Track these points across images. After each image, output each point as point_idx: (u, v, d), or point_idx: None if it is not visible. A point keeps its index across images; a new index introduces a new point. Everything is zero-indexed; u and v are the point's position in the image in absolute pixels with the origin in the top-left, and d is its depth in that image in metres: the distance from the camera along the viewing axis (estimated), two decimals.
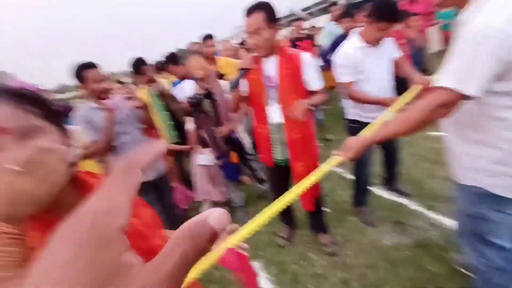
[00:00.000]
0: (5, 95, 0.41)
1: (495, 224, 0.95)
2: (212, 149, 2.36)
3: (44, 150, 0.39)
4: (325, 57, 3.52)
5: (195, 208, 2.61)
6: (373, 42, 1.67)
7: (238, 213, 2.43)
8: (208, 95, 2.35)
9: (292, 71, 1.47)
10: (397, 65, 1.82)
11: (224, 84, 2.31)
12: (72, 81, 1.68)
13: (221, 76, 2.44)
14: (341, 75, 1.75)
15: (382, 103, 1.57)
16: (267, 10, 1.37)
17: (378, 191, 2.32)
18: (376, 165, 2.16)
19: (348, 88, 1.74)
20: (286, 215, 2.10)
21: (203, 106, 2.30)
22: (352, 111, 1.88)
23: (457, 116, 0.92)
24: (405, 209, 2.07)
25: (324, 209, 2.02)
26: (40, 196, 0.38)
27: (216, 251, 0.60)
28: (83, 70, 1.60)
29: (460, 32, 0.83)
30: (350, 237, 1.97)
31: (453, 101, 0.84)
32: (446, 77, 0.84)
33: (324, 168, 1.01)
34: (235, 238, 0.64)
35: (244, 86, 1.62)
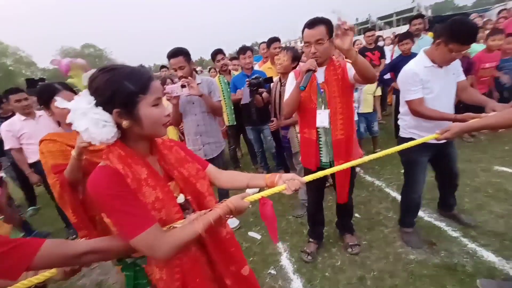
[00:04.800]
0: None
1: None
2: None
3: None
4: (382, 76, 3.51)
5: None
6: (442, 63, 1.64)
7: None
8: (269, 80, 2.46)
9: (338, 77, 1.63)
10: (460, 88, 1.76)
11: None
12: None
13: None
14: (410, 92, 1.72)
15: (454, 120, 1.53)
16: (329, 24, 1.53)
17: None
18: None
19: (418, 105, 1.70)
20: (316, 230, 2.10)
21: (260, 89, 2.48)
22: (408, 130, 1.88)
23: None
24: (443, 233, 2.07)
25: (356, 214, 2.17)
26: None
27: (253, 196, 0.95)
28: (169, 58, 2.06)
29: None
30: (375, 244, 2.08)
31: None
32: None
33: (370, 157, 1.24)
34: (267, 192, 0.97)
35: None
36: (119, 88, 0.73)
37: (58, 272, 0.81)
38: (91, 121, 0.73)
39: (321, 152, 1.77)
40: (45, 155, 1.32)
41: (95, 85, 0.75)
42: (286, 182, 0.96)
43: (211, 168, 1.04)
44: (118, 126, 0.77)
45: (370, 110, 3.46)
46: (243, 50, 3.17)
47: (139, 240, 0.72)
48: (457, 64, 1.75)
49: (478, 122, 1.27)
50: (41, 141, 1.36)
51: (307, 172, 1.85)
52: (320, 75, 1.66)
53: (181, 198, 0.88)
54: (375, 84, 3.42)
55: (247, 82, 2.52)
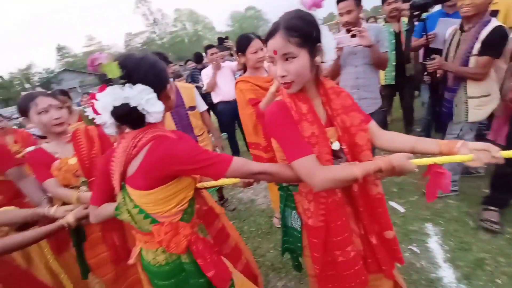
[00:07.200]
0: (280, 29, 0.80)
1: None
2: None
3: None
4: None
5: None
6: None
7: None
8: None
9: None
10: None
11: None
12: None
13: None
14: None
15: None
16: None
17: None
18: None
19: None
20: (500, 196, 1.77)
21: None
22: None
23: None
24: None
25: None
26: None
27: (423, 160, 0.85)
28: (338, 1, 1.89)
29: None
30: None
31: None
32: None
33: None
34: (442, 159, 0.84)
35: None
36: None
37: (241, 181, 1.05)
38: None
39: None
40: (244, 92, 1.68)
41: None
42: (474, 152, 0.77)
43: (372, 124, 0.99)
44: None
45: None
46: None
47: (300, 164, 0.80)
48: None
49: None
50: (237, 82, 1.76)
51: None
52: None
53: (336, 145, 0.89)
54: None
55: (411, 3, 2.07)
